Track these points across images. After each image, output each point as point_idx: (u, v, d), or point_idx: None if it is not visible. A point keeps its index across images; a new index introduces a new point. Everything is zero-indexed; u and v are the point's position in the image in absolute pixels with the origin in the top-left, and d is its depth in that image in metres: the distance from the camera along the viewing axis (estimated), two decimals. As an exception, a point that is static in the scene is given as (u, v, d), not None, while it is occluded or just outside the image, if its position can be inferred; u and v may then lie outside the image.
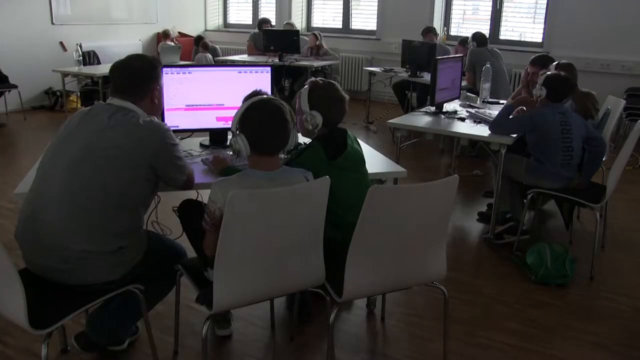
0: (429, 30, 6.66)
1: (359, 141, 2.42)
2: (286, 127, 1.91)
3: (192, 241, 2.31)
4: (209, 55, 7.66)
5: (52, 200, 1.85)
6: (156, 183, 2.03)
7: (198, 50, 7.95)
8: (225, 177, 1.95)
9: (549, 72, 3.34)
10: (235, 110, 1.95)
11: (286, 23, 8.12)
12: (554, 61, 3.70)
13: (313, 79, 2.34)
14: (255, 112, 1.89)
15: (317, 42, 7.55)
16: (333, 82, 2.30)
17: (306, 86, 2.27)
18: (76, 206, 1.84)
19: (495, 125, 3.42)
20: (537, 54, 3.95)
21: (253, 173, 1.92)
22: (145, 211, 2.07)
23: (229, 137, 1.94)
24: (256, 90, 2.03)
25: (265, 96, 1.95)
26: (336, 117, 2.26)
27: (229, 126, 2.72)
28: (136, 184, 1.93)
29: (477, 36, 5.73)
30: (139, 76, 2.03)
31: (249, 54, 7.85)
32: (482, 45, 5.63)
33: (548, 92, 3.22)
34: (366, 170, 2.37)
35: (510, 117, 3.42)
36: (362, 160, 2.34)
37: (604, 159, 3.46)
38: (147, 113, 2.02)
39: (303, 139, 2.42)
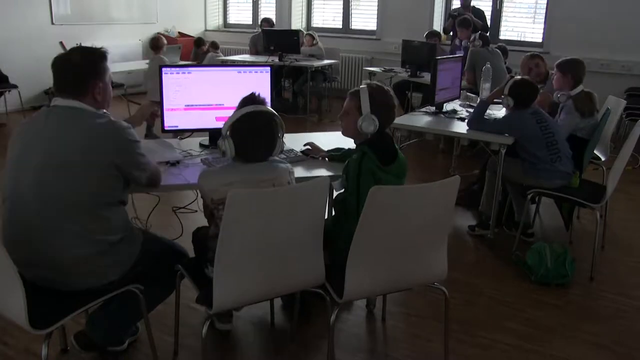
0: (434, 35, 6.63)
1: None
2: (273, 139, 2.01)
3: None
4: (220, 54, 7.76)
5: (28, 214, 1.83)
6: (127, 179, 1.99)
7: (198, 52, 7.95)
8: (209, 169, 2.11)
9: (512, 80, 3.41)
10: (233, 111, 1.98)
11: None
12: (580, 64, 3.65)
13: (368, 81, 2.35)
14: (245, 123, 1.96)
15: (314, 42, 7.54)
16: (386, 87, 2.31)
17: (364, 87, 2.24)
18: (52, 215, 1.82)
19: (472, 122, 3.50)
20: (564, 59, 3.82)
21: (236, 164, 2.01)
22: (124, 206, 2.03)
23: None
24: (254, 95, 2.03)
25: (259, 106, 1.99)
26: (388, 123, 2.29)
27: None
28: (105, 184, 1.89)
29: (484, 36, 5.72)
30: (77, 72, 1.93)
31: (252, 54, 7.85)
32: (486, 45, 5.63)
33: (515, 101, 3.30)
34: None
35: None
36: (407, 167, 2.34)
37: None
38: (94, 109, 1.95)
39: (346, 141, 2.42)
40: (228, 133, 1.97)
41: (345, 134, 2.36)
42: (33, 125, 1.92)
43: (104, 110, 2.00)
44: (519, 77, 3.47)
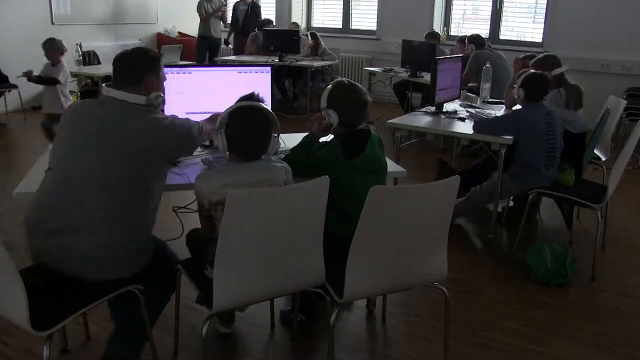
0: (434, 36, 6.62)
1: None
2: (266, 135, 2.00)
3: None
4: None
5: (74, 190, 1.87)
6: (165, 175, 2.10)
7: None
8: (205, 172, 2.15)
9: (526, 73, 3.40)
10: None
11: (292, 23, 8.15)
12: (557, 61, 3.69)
13: (339, 78, 2.37)
14: (238, 117, 1.98)
15: (310, 42, 7.54)
16: (357, 84, 2.33)
17: (330, 85, 2.31)
18: (105, 198, 1.86)
19: (478, 124, 3.47)
20: (544, 54, 3.93)
21: (232, 166, 2.02)
22: (154, 210, 2.07)
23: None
24: (253, 94, 2.06)
25: (253, 102, 2.01)
26: (354, 119, 2.29)
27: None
28: (156, 178, 1.99)
29: (475, 38, 5.71)
30: (132, 64, 2.04)
31: (249, 54, 7.85)
32: (481, 47, 5.62)
33: (526, 92, 3.30)
34: (385, 177, 2.37)
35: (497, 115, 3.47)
36: (382, 165, 2.35)
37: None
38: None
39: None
40: (221, 128, 1.99)
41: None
42: (88, 110, 2.01)
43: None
44: (532, 71, 3.46)
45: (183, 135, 2.08)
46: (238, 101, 2.06)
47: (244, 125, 1.98)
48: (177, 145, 2.08)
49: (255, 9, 8.39)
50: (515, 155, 3.38)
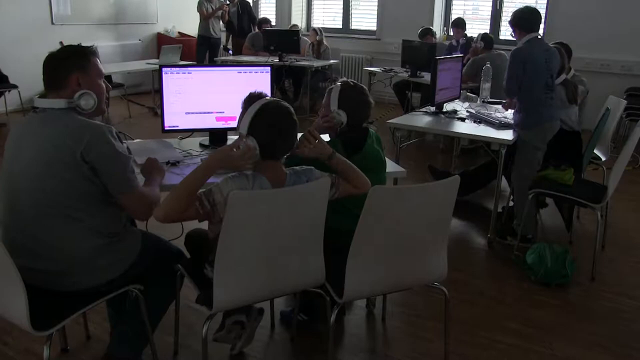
0: (427, 32, 6.66)
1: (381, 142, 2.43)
2: (296, 130, 1.91)
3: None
4: None
5: (25, 216, 1.82)
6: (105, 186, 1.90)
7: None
8: (238, 174, 1.85)
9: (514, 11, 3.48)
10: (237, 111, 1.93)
11: (293, 25, 8.18)
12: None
13: (344, 79, 2.39)
14: (268, 115, 1.83)
15: (318, 38, 7.55)
16: (363, 86, 2.37)
17: (337, 84, 2.33)
18: (46, 214, 1.81)
19: (507, 92, 3.52)
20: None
21: (265, 182, 1.85)
22: (113, 204, 1.93)
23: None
24: (258, 92, 1.93)
25: (272, 99, 1.89)
26: (360, 119, 2.32)
27: (229, 126, 2.71)
28: (81, 184, 1.82)
29: (487, 37, 5.65)
30: (53, 65, 1.91)
31: (244, 54, 7.84)
32: (488, 48, 5.58)
33: (521, 25, 3.35)
34: (385, 173, 2.39)
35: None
36: (381, 162, 2.36)
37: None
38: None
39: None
40: (247, 132, 1.81)
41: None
42: (20, 128, 1.92)
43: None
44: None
45: (108, 146, 1.82)
46: (247, 102, 1.90)
47: (275, 124, 1.83)
48: (103, 159, 1.81)
49: (246, 7, 8.44)
50: (521, 98, 3.42)
